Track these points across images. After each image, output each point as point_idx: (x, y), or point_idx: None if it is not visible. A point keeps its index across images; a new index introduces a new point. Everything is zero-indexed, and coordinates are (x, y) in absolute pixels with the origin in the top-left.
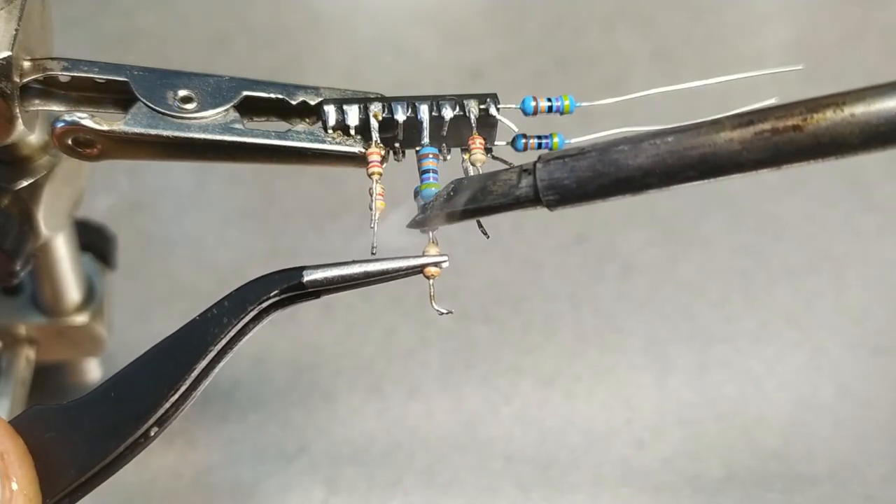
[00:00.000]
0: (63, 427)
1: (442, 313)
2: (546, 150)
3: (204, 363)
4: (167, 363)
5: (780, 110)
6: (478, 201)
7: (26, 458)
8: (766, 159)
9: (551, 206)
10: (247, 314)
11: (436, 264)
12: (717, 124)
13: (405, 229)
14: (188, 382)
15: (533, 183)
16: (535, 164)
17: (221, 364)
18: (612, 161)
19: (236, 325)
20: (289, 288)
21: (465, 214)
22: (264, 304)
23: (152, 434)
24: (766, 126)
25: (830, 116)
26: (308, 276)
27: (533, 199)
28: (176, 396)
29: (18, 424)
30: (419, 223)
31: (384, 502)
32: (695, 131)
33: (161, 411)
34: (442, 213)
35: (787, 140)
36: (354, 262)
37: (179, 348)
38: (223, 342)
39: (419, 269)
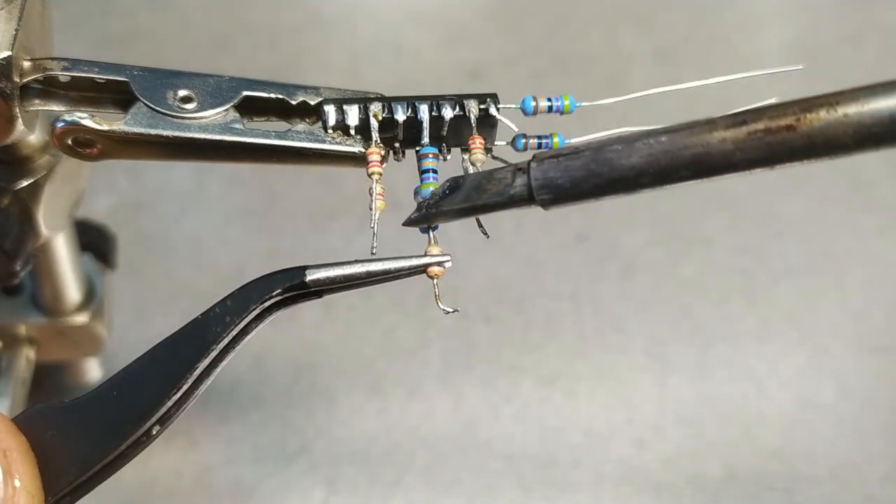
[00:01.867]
0: (65, 425)
1: (448, 312)
2: (545, 150)
3: (206, 362)
4: (169, 362)
5: (773, 110)
6: (472, 200)
7: (29, 456)
8: (759, 159)
9: (545, 205)
10: (249, 313)
11: (439, 264)
12: (710, 124)
13: (404, 229)
14: (190, 381)
15: (527, 182)
16: (528, 163)
17: (224, 363)
18: (606, 160)
19: (239, 324)
20: (291, 287)
21: (460, 213)
22: (267, 304)
23: (154, 433)
24: (760, 126)
25: (824, 117)
26: (311, 276)
27: (527, 199)
28: (178, 395)
29: (21, 422)
30: (415, 221)
31: (384, 502)
32: (688, 131)
33: (163, 410)
34: (437, 211)
35: (780, 140)
36: (357, 261)
37: (182, 347)
38: (225, 341)
39: (422, 269)
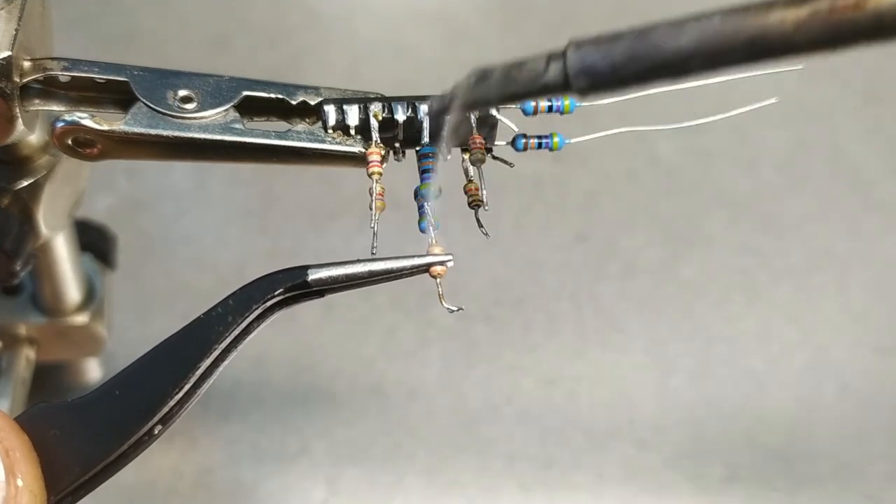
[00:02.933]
0: (67, 424)
1: (452, 311)
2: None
3: (208, 361)
4: (171, 361)
5: None
6: (503, 88)
7: (31, 455)
8: (820, 40)
9: (583, 93)
10: (251, 313)
11: (441, 263)
12: (768, 3)
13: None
14: (192, 381)
15: (563, 68)
16: (565, 48)
17: (225, 363)
18: (652, 43)
19: (241, 323)
20: (293, 287)
21: (489, 101)
22: (269, 303)
23: (156, 432)
24: (823, 5)
25: None
26: (313, 275)
27: (562, 86)
28: (180, 395)
29: (23, 421)
30: (438, 111)
31: (385, 502)
32: (743, 12)
33: (165, 409)
34: (463, 101)
35: (845, 19)
36: (359, 260)
37: (184, 346)
38: (227, 340)
39: (424, 269)
